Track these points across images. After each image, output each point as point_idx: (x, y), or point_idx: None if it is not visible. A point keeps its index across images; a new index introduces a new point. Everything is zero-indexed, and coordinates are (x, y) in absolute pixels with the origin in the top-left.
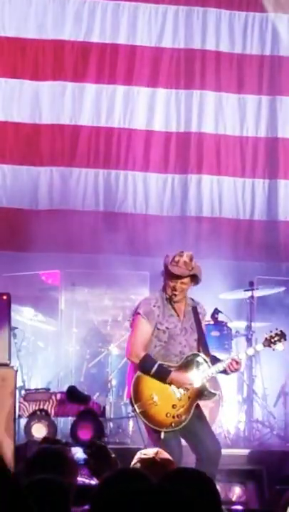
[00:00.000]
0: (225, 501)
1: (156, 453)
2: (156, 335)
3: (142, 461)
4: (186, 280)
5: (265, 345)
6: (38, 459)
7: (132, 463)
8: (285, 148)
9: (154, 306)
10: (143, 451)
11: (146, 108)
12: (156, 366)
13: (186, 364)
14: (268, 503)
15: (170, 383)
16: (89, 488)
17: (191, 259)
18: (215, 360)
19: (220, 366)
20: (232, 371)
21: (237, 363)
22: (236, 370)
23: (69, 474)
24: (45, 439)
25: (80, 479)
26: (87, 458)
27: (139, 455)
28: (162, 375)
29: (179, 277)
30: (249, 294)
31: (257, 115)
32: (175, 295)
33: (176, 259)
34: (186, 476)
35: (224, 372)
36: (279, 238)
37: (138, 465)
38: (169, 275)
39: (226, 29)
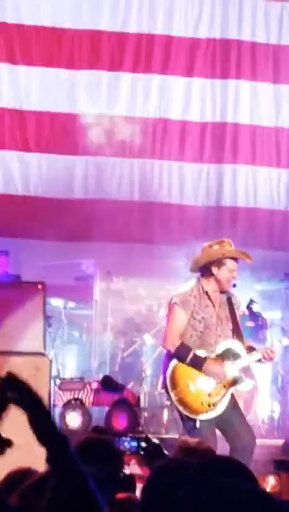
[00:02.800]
0: None
1: (198, 442)
2: (192, 324)
3: (183, 450)
4: None
5: None
6: (84, 449)
7: (174, 452)
8: None
9: (190, 295)
10: (184, 440)
11: (181, 98)
12: (191, 354)
13: (222, 354)
14: None
15: (204, 372)
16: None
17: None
18: (250, 349)
19: (255, 356)
20: (267, 360)
21: (272, 351)
22: (271, 359)
23: (115, 465)
24: (94, 429)
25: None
26: (137, 448)
27: (180, 444)
28: (197, 364)
29: (237, 261)
30: (284, 284)
31: None
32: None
33: (226, 245)
34: (226, 465)
35: (259, 361)
36: None
37: (179, 454)
38: (227, 261)
39: (261, 19)
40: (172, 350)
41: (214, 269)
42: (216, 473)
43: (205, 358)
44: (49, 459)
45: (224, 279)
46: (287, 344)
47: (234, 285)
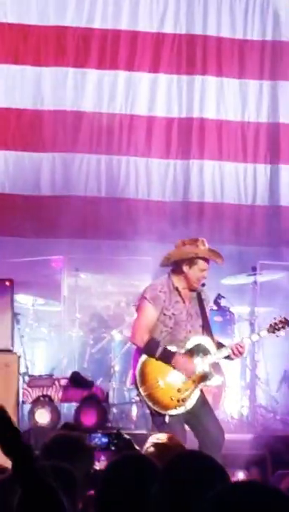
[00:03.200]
0: None
1: (169, 438)
2: (162, 321)
3: (155, 445)
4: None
5: (269, 332)
6: (54, 445)
7: (145, 447)
8: (286, 134)
9: (161, 291)
10: (156, 436)
11: (147, 94)
12: (160, 348)
13: (192, 349)
14: None
15: (174, 367)
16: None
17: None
18: (219, 345)
19: (224, 351)
20: (236, 356)
21: (241, 347)
22: (241, 354)
23: (84, 461)
24: (65, 425)
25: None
26: (108, 444)
27: (152, 439)
28: (167, 358)
29: (208, 261)
30: (252, 279)
31: (258, 100)
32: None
33: (200, 245)
34: (196, 460)
35: (228, 357)
36: (281, 223)
37: (151, 449)
38: (199, 261)
39: (227, 14)
40: (141, 345)
41: (185, 268)
42: (185, 469)
43: (174, 353)
44: (14, 471)
45: (194, 278)
46: (257, 340)
47: (203, 284)
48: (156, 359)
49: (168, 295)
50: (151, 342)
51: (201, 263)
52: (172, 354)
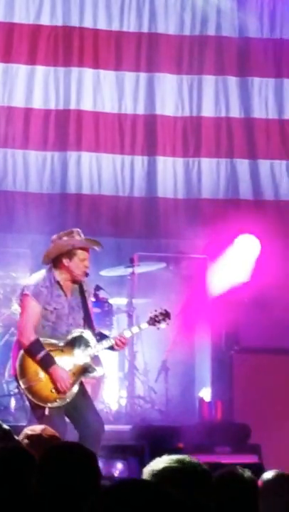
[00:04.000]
0: (107, 477)
1: (43, 429)
2: (44, 315)
3: (29, 437)
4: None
5: (149, 324)
6: None
7: (19, 439)
8: (163, 125)
9: (42, 286)
10: (30, 428)
11: (24, 85)
12: (43, 353)
13: (72, 342)
14: None
15: (50, 375)
16: None
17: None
18: (101, 336)
19: (105, 344)
20: (119, 347)
21: (124, 338)
22: (124, 345)
23: None
24: None
25: None
26: None
27: (26, 431)
28: (46, 364)
29: (87, 250)
30: (130, 270)
31: (135, 92)
32: (87, 272)
33: (75, 236)
34: (68, 451)
35: (111, 348)
36: (158, 215)
37: (25, 441)
38: (78, 251)
39: (103, 6)
40: (26, 344)
41: (65, 261)
42: (59, 460)
43: (54, 362)
44: None
45: (76, 269)
46: (137, 332)
47: (87, 274)
48: (36, 362)
49: (50, 289)
50: (36, 344)
51: (80, 253)
52: (52, 363)
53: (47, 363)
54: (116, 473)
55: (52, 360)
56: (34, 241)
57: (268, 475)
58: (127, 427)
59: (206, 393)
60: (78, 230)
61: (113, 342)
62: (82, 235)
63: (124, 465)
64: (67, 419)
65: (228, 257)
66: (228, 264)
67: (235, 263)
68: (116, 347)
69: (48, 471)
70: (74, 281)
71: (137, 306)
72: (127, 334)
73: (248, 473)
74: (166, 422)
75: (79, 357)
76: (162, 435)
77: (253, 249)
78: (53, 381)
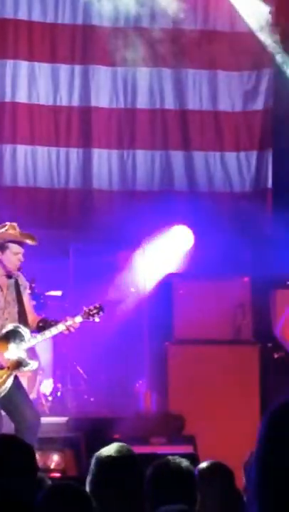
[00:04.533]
0: (43, 469)
1: None
2: None
3: None
4: None
5: (83, 318)
6: None
7: None
8: (98, 117)
9: None
10: None
11: None
12: None
13: (6, 336)
14: (85, 470)
15: None
16: None
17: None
18: (46, 324)
19: (54, 330)
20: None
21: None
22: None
23: None
24: None
25: None
26: None
27: None
28: None
29: (22, 244)
30: (65, 263)
31: (70, 84)
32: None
33: (9, 229)
34: (5, 444)
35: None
36: (93, 206)
37: None
38: (10, 245)
39: None
40: None
41: None
42: None
43: None
44: None
45: (9, 262)
46: (70, 324)
47: (19, 269)
48: None
49: None
50: None
51: (13, 247)
52: None
53: None
54: (52, 466)
55: None
56: None
57: (203, 465)
58: (63, 419)
59: (141, 384)
60: (13, 223)
61: (63, 328)
62: (18, 229)
63: (60, 457)
64: (3, 413)
65: (162, 248)
66: (162, 255)
67: (169, 254)
68: (65, 331)
69: None
70: (8, 275)
71: (72, 299)
72: (61, 328)
73: (185, 463)
74: (102, 413)
75: (13, 351)
76: (98, 427)
77: (187, 240)
78: None
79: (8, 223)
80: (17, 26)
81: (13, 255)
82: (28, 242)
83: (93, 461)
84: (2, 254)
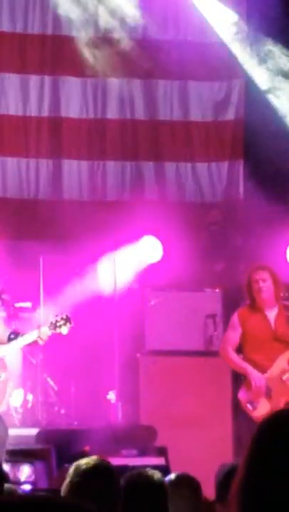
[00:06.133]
0: (14, 481)
1: None
2: None
3: None
4: None
5: (50, 329)
6: None
7: None
8: (68, 128)
9: None
10: None
11: None
12: None
13: None
14: (56, 482)
15: None
16: None
17: None
18: (16, 335)
19: (11, 346)
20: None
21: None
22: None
23: None
24: None
25: None
26: None
27: None
28: None
29: None
30: (36, 274)
31: (39, 95)
32: None
33: None
34: None
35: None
36: (64, 217)
37: None
38: None
39: (6, 7)
40: None
41: None
42: None
43: None
44: None
45: None
46: (37, 336)
47: None
48: None
49: None
50: None
51: None
52: None
53: None
54: (22, 478)
55: None
56: None
57: (171, 476)
58: (33, 431)
59: (112, 396)
60: None
61: (32, 338)
62: None
63: (30, 469)
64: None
65: (132, 258)
66: (132, 266)
67: (139, 264)
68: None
69: None
70: None
71: (42, 311)
72: (30, 338)
73: (157, 475)
74: (72, 425)
75: None
76: (68, 438)
77: (156, 251)
78: None
79: None
80: None
81: None
82: None
83: (71, 470)
84: None
